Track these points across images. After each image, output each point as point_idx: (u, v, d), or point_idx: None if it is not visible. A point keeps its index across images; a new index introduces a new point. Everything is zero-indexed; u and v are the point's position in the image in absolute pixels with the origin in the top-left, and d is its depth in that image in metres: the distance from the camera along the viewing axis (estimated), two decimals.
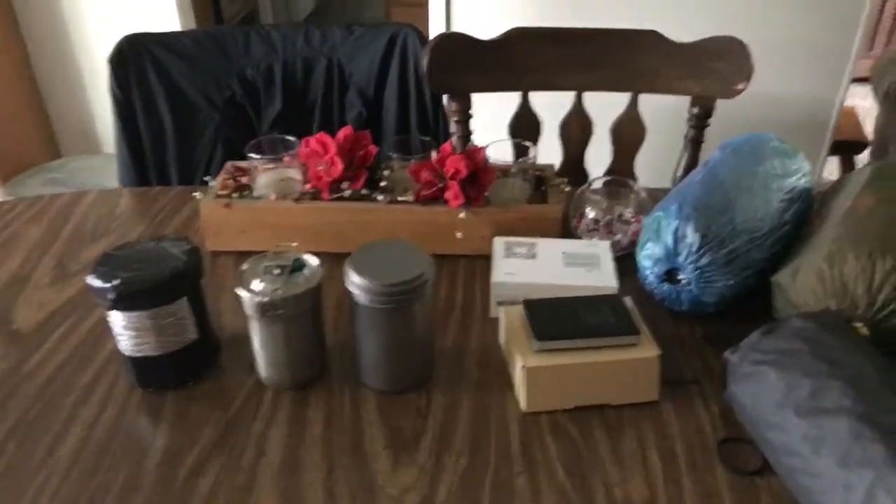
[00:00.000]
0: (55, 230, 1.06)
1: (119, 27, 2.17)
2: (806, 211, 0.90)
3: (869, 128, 2.55)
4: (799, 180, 0.89)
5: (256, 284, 0.70)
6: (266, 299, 0.69)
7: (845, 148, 2.39)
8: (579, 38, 1.25)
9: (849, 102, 2.09)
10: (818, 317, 0.70)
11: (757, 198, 0.84)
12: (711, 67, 1.22)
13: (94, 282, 0.70)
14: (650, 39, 1.24)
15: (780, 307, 0.80)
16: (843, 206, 0.82)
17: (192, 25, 2.25)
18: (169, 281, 0.70)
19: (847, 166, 2.59)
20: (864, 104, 3.66)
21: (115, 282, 0.69)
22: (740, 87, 1.21)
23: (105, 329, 0.85)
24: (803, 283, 0.76)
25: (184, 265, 0.72)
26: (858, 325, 0.72)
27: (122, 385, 0.77)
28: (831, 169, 2.86)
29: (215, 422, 0.72)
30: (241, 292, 0.70)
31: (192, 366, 0.77)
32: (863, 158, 2.72)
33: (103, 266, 0.71)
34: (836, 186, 0.92)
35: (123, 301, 0.69)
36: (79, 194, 1.15)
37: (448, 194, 0.94)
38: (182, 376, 0.76)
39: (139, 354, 0.73)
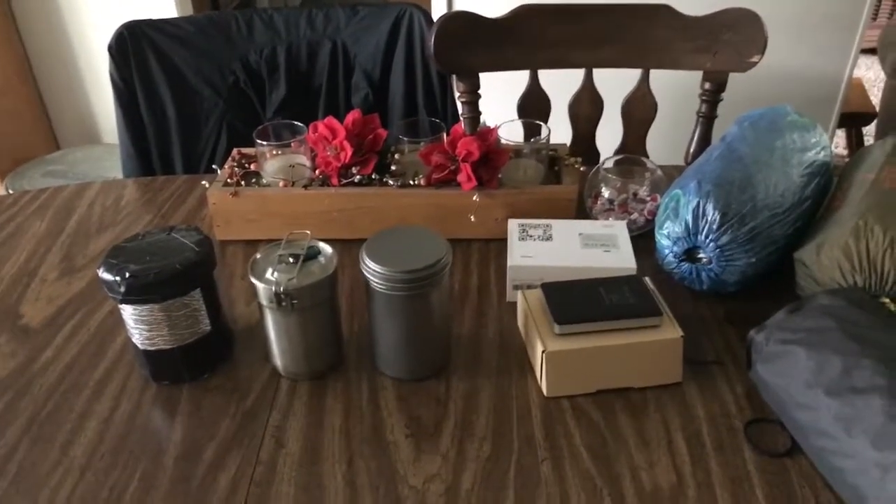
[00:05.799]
0: (60, 223, 1.04)
1: (116, 15, 2.15)
2: (826, 186, 0.88)
3: (875, 99, 2.52)
4: (818, 154, 0.87)
5: (270, 274, 0.69)
6: (281, 289, 0.67)
7: (852, 120, 2.36)
8: (589, 13, 1.23)
9: (854, 73, 2.07)
10: (846, 293, 0.69)
11: (777, 173, 0.82)
12: (724, 40, 1.19)
13: (105, 275, 0.68)
14: (662, 13, 1.21)
15: (804, 284, 0.79)
16: (866, 180, 0.80)
17: (189, 12, 2.22)
18: (181, 272, 0.68)
19: (853, 138, 2.56)
20: (869, 75, 3.63)
21: (126, 274, 0.67)
22: (754, 59, 1.18)
23: (116, 322, 0.83)
24: (828, 259, 0.74)
25: (196, 255, 0.70)
26: (886, 300, 0.71)
27: (136, 379, 0.75)
28: (836, 141, 2.83)
29: (232, 414, 0.71)
30: (256, 282, 0.68)
31: (206, 358, 0.75)
32: (870, 130, 2.69)
33: (114, 258, 0.69)
34: (856, 160, 0.89)
35: (135, 294, 0.68)
36: (82, 186, 1.14)
37: (460, 177, 0.92)
38: (196, 369, 0.75)
39: (152, 348, 0.71)
